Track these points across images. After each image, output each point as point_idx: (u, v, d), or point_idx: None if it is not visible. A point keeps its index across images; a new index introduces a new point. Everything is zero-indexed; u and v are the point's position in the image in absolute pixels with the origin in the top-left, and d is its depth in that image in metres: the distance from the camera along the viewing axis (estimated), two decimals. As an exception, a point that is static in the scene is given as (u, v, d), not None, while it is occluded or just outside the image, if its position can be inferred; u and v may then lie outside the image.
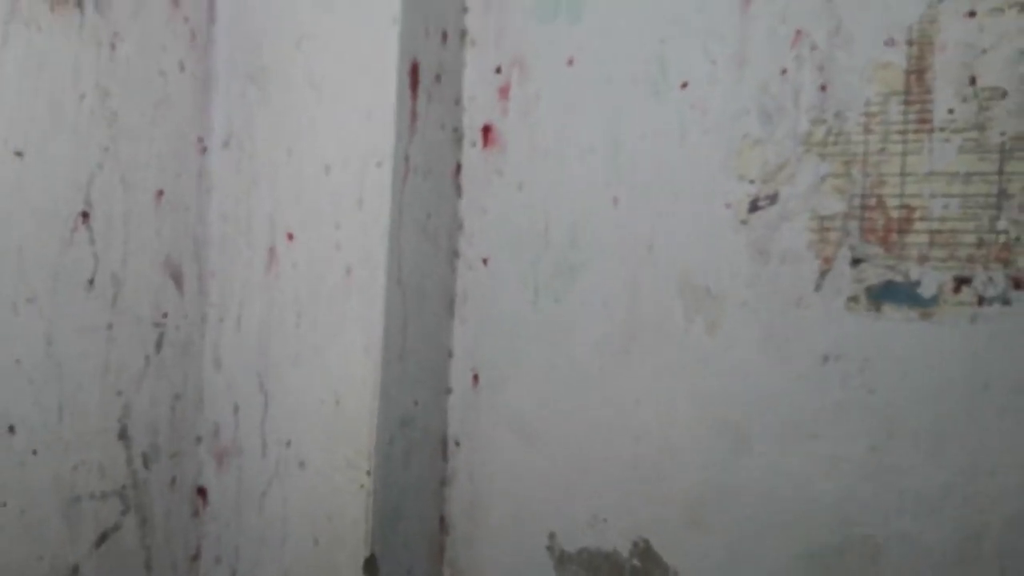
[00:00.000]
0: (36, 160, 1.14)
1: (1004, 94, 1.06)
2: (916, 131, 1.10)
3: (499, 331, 1.37)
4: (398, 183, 1.25)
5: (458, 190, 1.40)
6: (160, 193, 1.31)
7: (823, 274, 1.15)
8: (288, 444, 1.31)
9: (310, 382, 1.29)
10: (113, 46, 1.23)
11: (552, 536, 1.33)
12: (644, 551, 1.26)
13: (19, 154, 1.12)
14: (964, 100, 1.08)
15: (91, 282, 1.22)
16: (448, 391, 1.40)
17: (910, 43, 1.11)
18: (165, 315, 1.33)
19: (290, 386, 1.31)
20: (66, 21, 1.17)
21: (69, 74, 1.17)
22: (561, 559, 1.32)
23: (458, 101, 1.39)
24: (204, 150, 1.38)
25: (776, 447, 1.18)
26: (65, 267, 1.18)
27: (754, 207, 1.19)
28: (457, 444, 1.40)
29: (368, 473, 1.25)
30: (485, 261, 1.38)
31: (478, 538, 1.38)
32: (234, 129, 1.36)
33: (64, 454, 1.20)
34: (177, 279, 1.35)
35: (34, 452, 1.15)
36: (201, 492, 1.40)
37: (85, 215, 1.20)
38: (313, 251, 1.29)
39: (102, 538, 1.25)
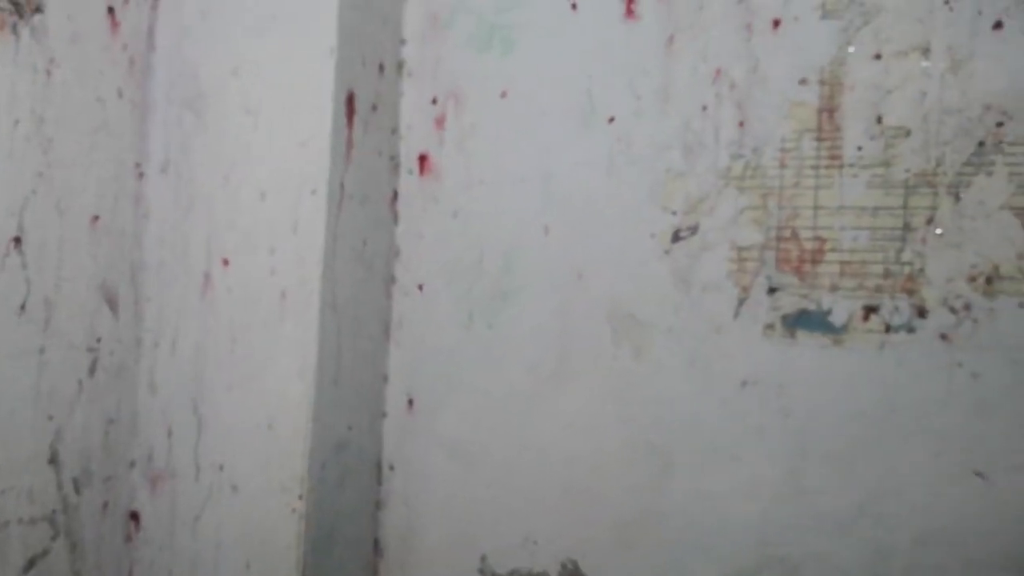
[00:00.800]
0: (-33, 185, 1.14)
1: (908, 133, 1.12)
2: (828, 167, 1.16)
3: (434, 356, 1.39)
4: (333, 210, 1.28)
5: (395, 217, 1.43)
6: (96, 218, 1.32)
7: (741, 302, 1.20)
8: (221, 468, 1.32)
9: (244, 406, 1.31)
10: (49, 72, 1.24)
11: (483, 559, 1.35)
12: (573, 573, 1.29)
13: (-51, 179, 1.12)
14: (872, 138, 1.14)
15: (23, 307, 1.22)
16: (383, 415, 1.42)
17: (822, 83, 1.17)
18: (99, 340, 1.33)
19: (224, 410, 1.32)
20: (1, 47, 1.18)
21: (3, 100, 1.18)
22: (493, 581, 1.34)
23: (395, 130, 1.42)
24: (141, 176, 1.39)
25: (699, 470, 1.22)
26: (-4, 292, 1.18)
27: (677, 237, 1.24)
28: (392, 468, 1.42)
29: (300, 497, 1.26)
30: (421, 287, 1.41)
31: (411, 562, 1.40)
32: (171, 155, 1.37)
33: (-8, 479, 1.19)
34: (112, 304, 1.35)
35: (-40, 477, 1.15)
36: (134, 516, 1.39)
37: (17, 240, 1.21)
38: (248, 276, 1.31)
39: (30, 564, 1.24)
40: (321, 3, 1.27)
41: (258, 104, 1.31)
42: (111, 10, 1.32)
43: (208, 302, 1.33)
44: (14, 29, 1.19)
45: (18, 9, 1.19)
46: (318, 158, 1.26)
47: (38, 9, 1.22)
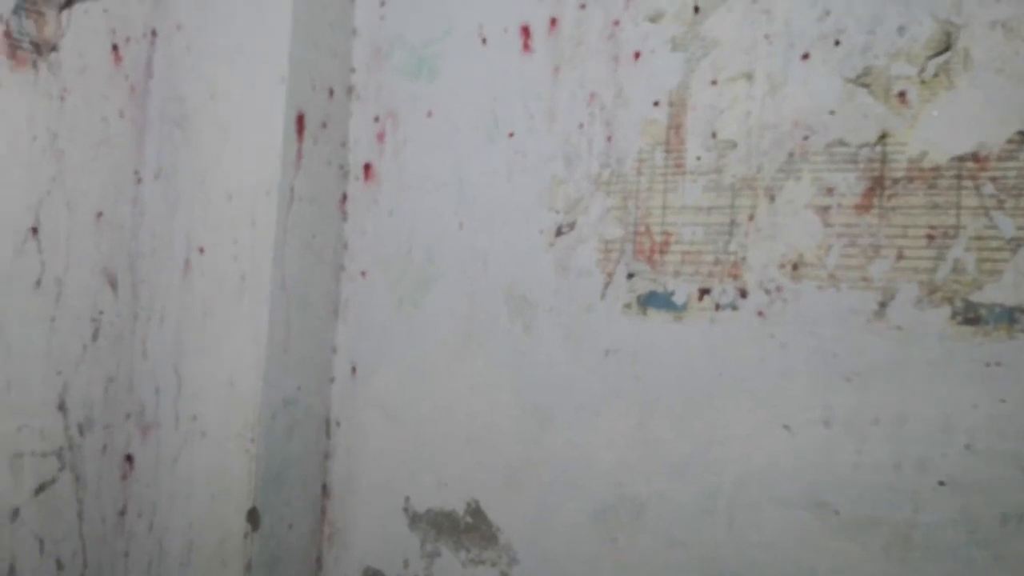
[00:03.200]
0: (-5, 186, 1.47)
1: (735, 145, 1.36)
2: (674, 174, 1.40)
3: (372, 331, 1.67)
4: (283, 209, 1.57)
5: (344, 215, 1.71)
6: (100, 214, 1.64)
7: (606, 286, 1.45)
8: (194, 418, 1.62)
9: (212, 368, 1.60)
10: (62, 98, 1.56)
11: (407, 499, 1.62)
12: (475, 510, 1.55)
13: (-20, 182, 1.45)
14: (708, 150, 1.38)
15: (38, 283, 1.54)
16: (332, 380, 1.71)
17: (671, 104, 1.41)
18: (101, 312, 1.65)
19: (197, 371, 1.62)
20: (23, 79, 1.50)
21: (24, 121, 1.50)
22: (414, 518, 1.61)
23: (344, 143, 1.70)
24: (139, 181, 1.70)
25: (571, 424, 1.46)
26: (16, 271, 1.51)
27: (559, 232, 1.49)
28: (338, 424, 1.70)
29: (252, 440, 1.55)
30: (363, 274, 1.69)
31: (352, 502, 1.68)
32: (163, 164, 1.69)
33: (10, 418, 1.51)
34: (113, 284, 1.67)
35: (-16, 414, 1.47)
36: (129, 459, 1.70)
37: (35, 230, 1.53)
38: (217, 262, 1.61)
39: (40, 488, 1.56)
40: (275, 40, 1.57)
41: (228, 122, 1.61)
42: (115, 47, 1.65)
43: (187, 283, 1.64)
44: (34, 64, 1.52)
45: (37, 48, 1.52)
46: (271, 166, 1.56)
47: (54, 48, 1.55)
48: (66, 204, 1.58)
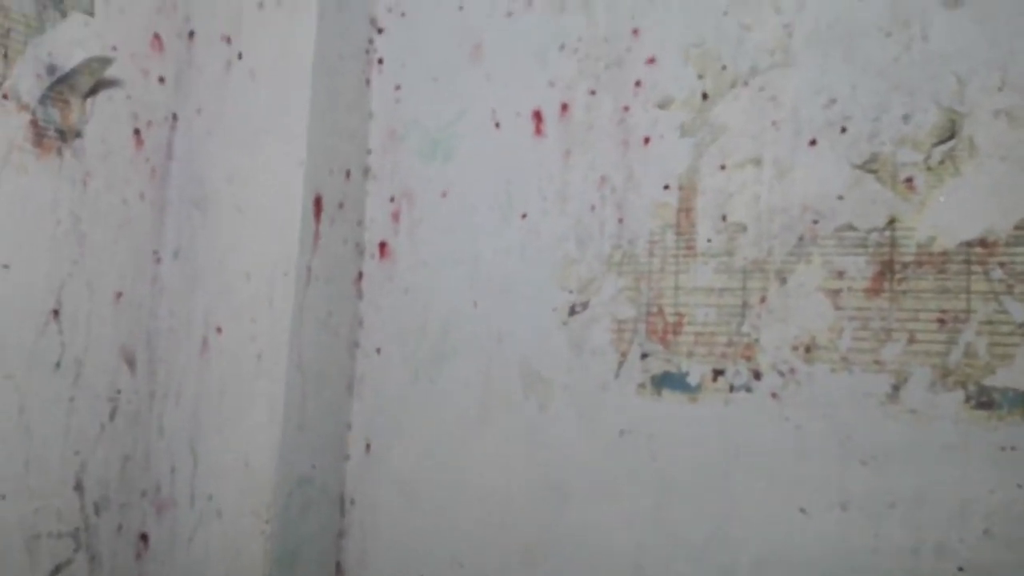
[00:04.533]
0: (19, 271, 1.49)
1: (745, 228, 1.39)
2: (685, 255, 1.43)
3: (387, 407, 1.68)
4: (300, 289, 1.59)
5: (360, 293, 1.74)
6: (119, 295, 1.66)
7: (621, 365, 1.46)
8: (210, 498, 1.62)
9: (229, 447, 1.61)
10: (85, 183, 1.60)
11: (422, 578, 1.61)
12: (491, 590, 1.54)
13: (6, 266, 1.48)
14: (718, 232, 1.41)
15: (58, 364, 1.56)
16: (346, 457, 1.71)
17: (681, 188, 1.44)
18: (119, 391, 1.67)
19: (213, 450, 1.63)
20: (48, 165, 1.54)
21: (48, 205, 1.54)
22: (428, 597, 1.60)
23: (360, 222, 1.74)
24: (158, 260, 1.73)
25: (588, 504, 1.47)
26: (37, 353, 1.53)
27: (572, 311, 1.51)
28: (352, 502, 1.70)
29: (268, 521, 1.55)
30: (378, 350, 1.71)
31: (366, 581, 1.67)
32: (182, 244, 1.72)
33: (28, 500, 1.52)
34: (131, 363, 1.69)
35: (3, 497, 1.47)
36: (143, 537, 1.70)
37: (56, 312, 1.55)
38: (234, 341, 1.63)
39: (56, 570, 1.56)
40: (294, 125, 1.61)
41: (246, 204, 1.64)
42: (137, 131, 1.69)
43: (204, 362, 1.66)
44: (59, 151, 1.56)
45: (63, 135, 1.56)
46: (288, 247, 1.59)
47: (79, 134, 1.59)
48: (87, 285, 1.61)
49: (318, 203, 1.63)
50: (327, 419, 1.67)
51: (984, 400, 1.20)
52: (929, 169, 1.27)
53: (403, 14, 1.73)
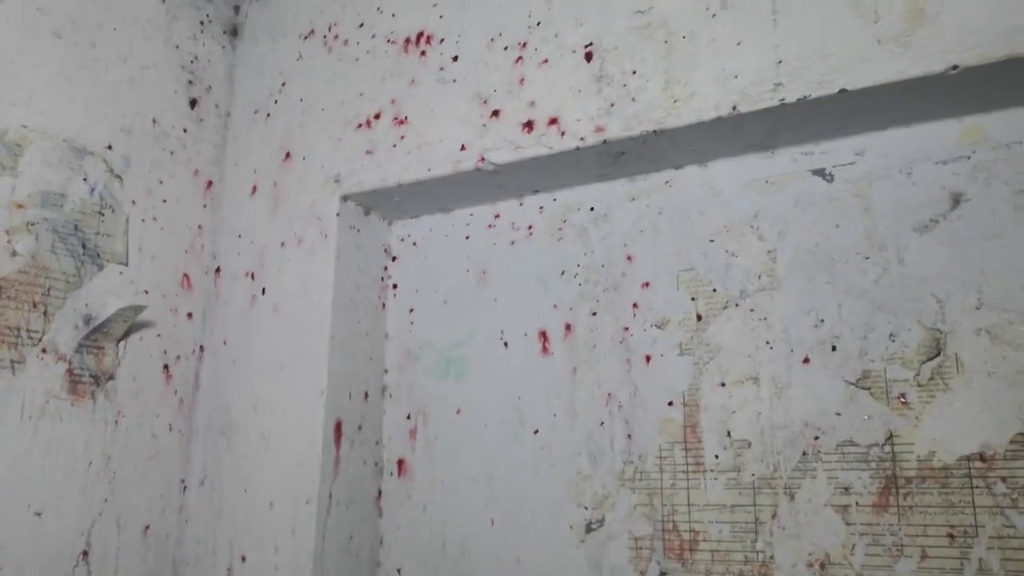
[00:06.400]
0: (51, 517, 1.55)
1: (750, 444, 1.43)
2: (695, 471, 1.46)
3: (410, 630, 1.68)
4: (322, 515, 1.63)
5: (379, 512, 1.77)
6: (147, 527, 1.71)
7: (639, 584, 1.47)
8: None
9: None
10: (116, 422, 1.68)
11: None
12: None
13: (38, 514, 1.53)
14: (724, 448, 1.45)
15: (86, 605, 1.59)
16: None
17: (684, 404, 1.49)
18: (145, 626, 1.68)
19: None
20: (82, 410, 1.62)
21: (81, 448, 1.61)
22: None
23: (379, 442, 1.79)
24: (185, 489, 1.79)
25: None
26: (67, 595, 1.56)
27: (589, 529, 1.54)
28: None
29: None
30: (399, 571, 1.72)
31: None
32: (208, 471, 1.77)
33: None
34: (157, 594, 1.71)
35: None
36: None
37: (85, 553, 1.59)
38: (258, 571, 1.65)
39: None
40: (317, 356, 1.69)
41: (269, 432, 1.71)
42: (166, 367, 1.78)
43: (229, 592, 1.68)
44: (93, 395, 1.64)
45: (97, 380, 1.65)
46: (310, 475, 1.64)
47: (111, 377, 1.68)
48: (116, 522, 1.65)
49: (338, 428, 1.69)
50: (351, 646, 1.66)
51: (1004, 620, 1.20)
52: (920, 385, 1.31)
53: (415, 243, 1.85)
